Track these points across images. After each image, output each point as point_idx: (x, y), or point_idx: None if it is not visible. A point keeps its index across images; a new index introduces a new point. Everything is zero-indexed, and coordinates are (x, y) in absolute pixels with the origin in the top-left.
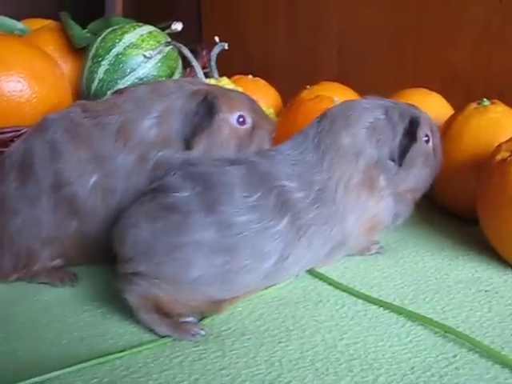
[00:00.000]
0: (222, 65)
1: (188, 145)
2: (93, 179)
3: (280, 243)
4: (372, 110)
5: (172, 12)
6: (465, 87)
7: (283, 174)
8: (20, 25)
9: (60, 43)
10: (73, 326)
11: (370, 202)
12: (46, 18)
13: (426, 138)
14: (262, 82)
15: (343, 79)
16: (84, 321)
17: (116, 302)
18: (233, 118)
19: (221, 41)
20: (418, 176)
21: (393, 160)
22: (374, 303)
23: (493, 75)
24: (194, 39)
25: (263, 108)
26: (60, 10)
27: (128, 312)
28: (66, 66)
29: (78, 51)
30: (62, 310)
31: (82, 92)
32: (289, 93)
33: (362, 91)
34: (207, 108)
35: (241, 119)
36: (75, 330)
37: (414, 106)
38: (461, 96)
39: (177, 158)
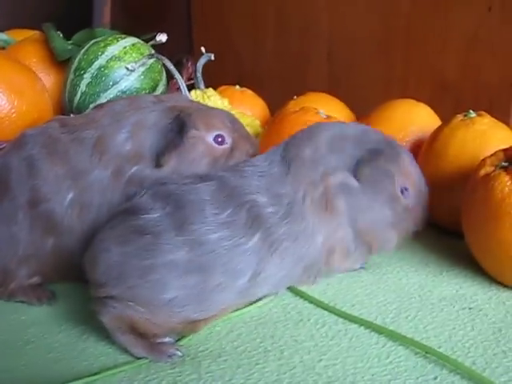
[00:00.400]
0: (212, 73)
1: (158, 161)
2: (70, 195)
3: (252, 260)
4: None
5: (162, 21)
6: (454, 95)
7: (253, 187)
8: (4, 36)
9: (43, 55)
10: (48, 347)
11: (333, 224)
12: (34, 28)
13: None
14: (249, 92)
15: (333, 85)
16: (60, 341)
17: (93, 321)
18: (210, 137)
19: (210, 50)
20: (378, 214)
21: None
22: (355, 322)
23: (482, 84)
24: (184, 48)
25: (250, 119)
26: (48, 20)
27: (104, 332)
28: (49, 79)
29: (61, 63)
30: (38, 330)
31: (65, 105)
32: (278, 99)
33: (351, 97)
34: (179, 125)
35: (219, 139)
36: (50, 350)
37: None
38: (450, 104)
39: (149, 174)
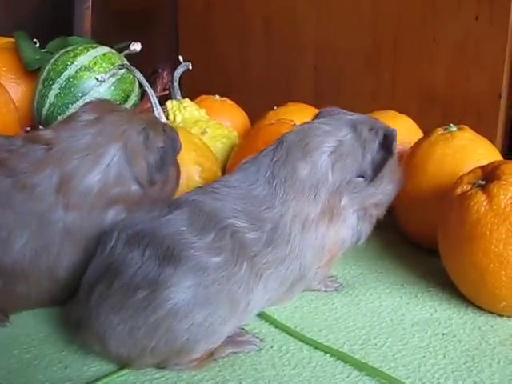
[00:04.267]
0: (197, 83)
1: (152, 179)
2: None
3: (244, 289)
4: (335, 132)
5: (148, 30)
6: (442, 106)
7: (230, 211)
8: None
9: (14, 64)
10: None
11: (331, 231)
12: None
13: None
14: (228, 102)
15: (319, 96)
16: (9, 368)
17: (47, 346)
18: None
19: (196, 59)
20: (385, 190)
21: (362, 176)
22: (321, 349)
23: (470, 94)
24: (170, 57)
25: (227, 130)
26: (29, 26)
27: (57, 358)
28: (19, 88)
29: (32, 72)
30: None
31: (34, 116)
32: (264, 110)
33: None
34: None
35: None
36: None
37: (376, 118)
38: (438, 114)
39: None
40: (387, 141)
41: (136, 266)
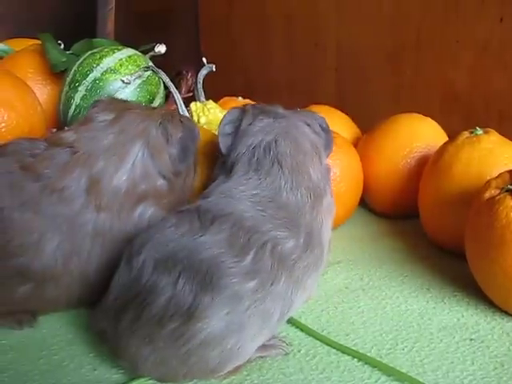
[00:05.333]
0: (219, 84)
1: (177, 167)
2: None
3: (281, 301)
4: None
5: (169, 32)
6: (464, 106)
7: (271, 221)
8: (2, 46)
9: (40, 66)
10: (26, 375)
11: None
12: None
13: None
14: (251, 103)
15: (341, 97)
16: (38, 369)
17: (75, 347)
18: None
19: (217, 61)
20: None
21: None
22: (348, 354)
23: (493, 95)
24: (191, 59)
25: None
26: (52, 28)
27: (85, 359)
28: (45, 90)
29: (58, 74)
30: (18, 356)
31: (59, 118)
32: None
33: (359, 110)
34: (192, 135)
35: None
36: (28, 379)
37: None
38: (460, 116)
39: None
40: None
41: (167, 295)
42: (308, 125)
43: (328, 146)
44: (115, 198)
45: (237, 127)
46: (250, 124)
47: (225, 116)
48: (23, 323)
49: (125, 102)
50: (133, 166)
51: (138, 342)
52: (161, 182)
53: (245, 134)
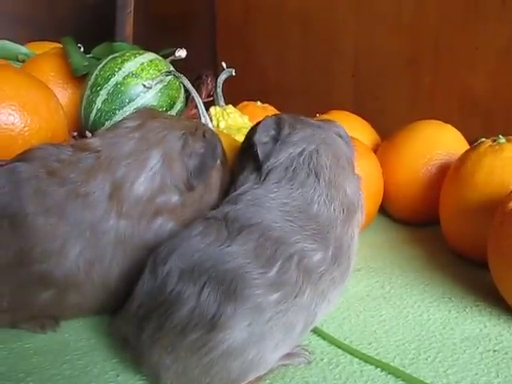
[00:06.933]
0: (235, 88)
1: (191, 184)
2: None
3: (304, 314)
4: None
5: (186, 36)
6: (484, 113)
7: (299, 233)
8: (24, 49)
9: (61, 69)
10: (49, 380)
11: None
12: (57, 41)
13: None
14: (270, 108)
15: (358, 102)
16: (62, 374)
17: (98, 352)
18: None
19: (234, 65)
20: None
21: None
22: (371, 363)
23: None
24: (208, 63)
25: None
26: (71, 31)
27: (108, 365)
28: (66, 94)
29: (79, 78)
30: (42, 360)
31: (81, 122)
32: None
33: (376, 114)
34: (212, 147)
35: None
36: (52, 382)
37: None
38: (479, 122)
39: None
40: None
41: (191, 305)
42: (340, 136)
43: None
44: (136, 204)
45: (273, 136)
46: (290, 133)
47: (260, 124)
48: (46, 327)
49: (158, 112)
50: (152, 174)
51: (160, 350)
52: (176, 196)
53: (285, 142)
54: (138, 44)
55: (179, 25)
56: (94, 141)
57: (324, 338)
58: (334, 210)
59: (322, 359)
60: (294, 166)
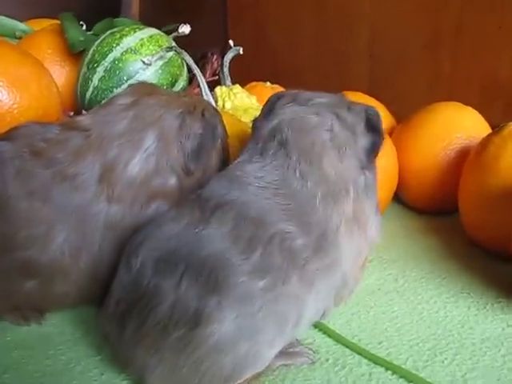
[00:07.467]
0: (246, 68)
1: (189, 168)
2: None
3: (294, 305)
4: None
5: (196, 14)
6: (506, 98)
7: (278, 212)
8: (22, 25)
9: (59, 46)
10: (30, 377)
11: (363, 235)
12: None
13: None
14: (279, 89)
15: (374, 85)
16: (43, 370)
17: (83, 348)
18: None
19: (245, 44)
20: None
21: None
22: (381, 365)
23: None
24: (218, 42)
25: None
26: (74, 9)
27: (92, 362)
28: (64, 71)
29: (78, 55)
30: (22, 354)
31: (77, 101)
32: None
33: (393, 98)
34: (212, 128)
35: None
36: (31, 380)
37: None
38: (500, 106)
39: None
40: (372, 122)
41: (171, 299)
42: (339, 117)
43: (372, 147)
44: (129, 188)
45: (266, 112)
46: (275, 110)
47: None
48: (30, 319)
49: (154, 87)
50: (146, 156)
51: (144, 352)
52: (173, 179)
53: (267, 119)
54: (145, 23)
55: (188, 3)
56: (83, 119)
57: (330, 336)
58: (311, 188)
59: (327, 359)
60: (264, 140)
